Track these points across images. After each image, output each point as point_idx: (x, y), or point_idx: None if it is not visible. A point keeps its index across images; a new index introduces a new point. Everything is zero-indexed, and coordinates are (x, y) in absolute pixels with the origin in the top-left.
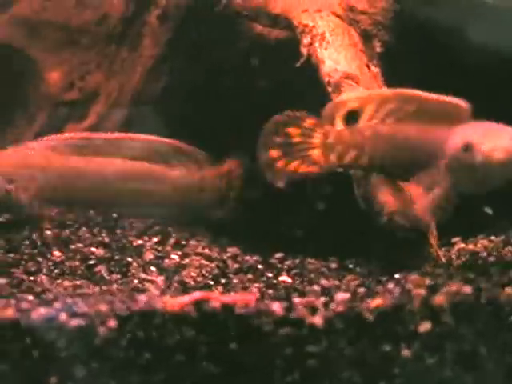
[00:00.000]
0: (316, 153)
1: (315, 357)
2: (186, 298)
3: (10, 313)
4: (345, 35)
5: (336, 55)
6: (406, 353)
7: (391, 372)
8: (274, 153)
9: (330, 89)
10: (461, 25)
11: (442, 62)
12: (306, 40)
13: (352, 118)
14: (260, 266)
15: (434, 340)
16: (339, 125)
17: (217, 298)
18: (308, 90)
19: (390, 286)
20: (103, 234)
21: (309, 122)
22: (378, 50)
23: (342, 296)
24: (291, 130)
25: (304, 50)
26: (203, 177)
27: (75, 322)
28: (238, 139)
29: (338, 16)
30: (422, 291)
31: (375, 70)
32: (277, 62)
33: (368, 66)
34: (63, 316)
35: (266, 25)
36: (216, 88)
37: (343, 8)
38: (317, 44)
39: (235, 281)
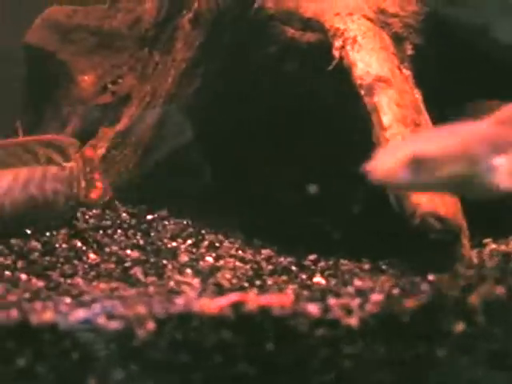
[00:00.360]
0: None
1: (351, 358)
2: (223, 300)
3: (48, 316)
4: (376, 38)
5: (368, 58)
6: (439, 353)
7: (425, 373)
8: None
9: (362, 92)
10: (491, 25)
11: (473, 63)
12: (337, 43)
13: None
14: (294, 268)
15: (467, 340)
16: None
17: (253, 300)
18: (339, 93)
19: (424, 287)
20: (137, 237)
21: None
22: (409, 52)
23: (376, 297)
24: None
25: (336, 53)
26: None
27: (113, 325)
28: (270, 143)
29: (370, 19)
30: (455, 292)
31: (407, 72)
32: (309, 65)
33: (399, 69)
34: (101, 318)
35: (298, 28)
36: (248, 91)
37: (374, 11)
38: (348, 47)
39: (270, 282)
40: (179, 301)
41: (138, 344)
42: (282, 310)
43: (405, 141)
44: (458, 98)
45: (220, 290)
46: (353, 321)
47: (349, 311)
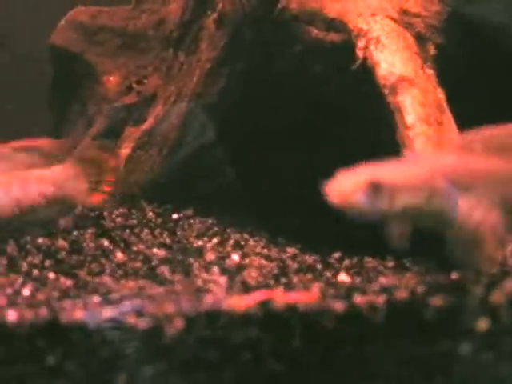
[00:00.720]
0: None
1: (376, 355)
2: (250, 298)
3: (78, 314)
4: (399, 38)
5: (391, 58)
6: (464, 351)
7: (450, 370)
8: None
9: (385, 91)
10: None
11: (495, 62)
12: (361, 43)
13: None
14: (319, 266)
15: (492, 338)
16: None
17: (280, 298)
18: (363, 93)
19: (447, 284)
20: (164, 236)
21: None
22: (432, 52)
23: (401, 294)
24: None
25: (359, 54)
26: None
27: (142, 323)
28: (294, 142)
29: (393, 19)
30: (479, 289)
31: (430, 72)
32: (333, 65)
33: (423, 69)
34: (130, 317)
35: (322, 29)
36: (272, 91)
37: (397, 11)
38: (372, 47)
39: (295, 280)
40: (207, 299)
41: (166, 342)
42: (308, 307)
43: (366, 166)
44: (482, 97)
45: (246, 288)
46: (378, 318)
47: (374, 308)
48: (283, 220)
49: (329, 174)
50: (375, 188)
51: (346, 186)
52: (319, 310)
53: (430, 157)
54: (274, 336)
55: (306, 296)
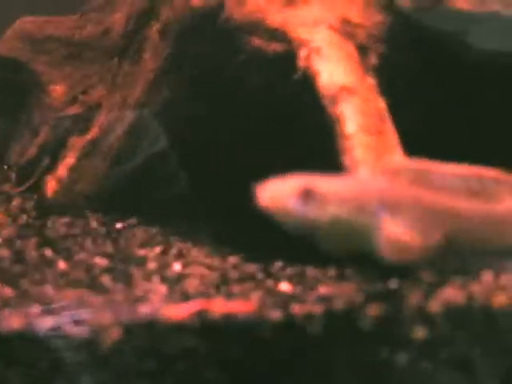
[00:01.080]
0: None
1: (314, 364)
2: (187, 307)
3: (17, 323)
4: (341, 48)
5: (332, 68)
6: (401, 359)
7: (387, 379)
8: None
9: (326, 101)
10: (465, 31)
11: (446, 70)
12: (302, 53)
13: None
14: (260, 275)
15: (428, 346)
16: None
17: (217, 307)
18: (305, 103)
19: (387, 293)
20: (107, 245)
21: None
22: (374, 62)
23: (339, 303)
24: None
25: (301, 64)
26: None
27: (79, 331)
28: (240, 152)
29: (334, 29)
30: (417, 298)
31: (371, 81)
32: (274, 75)
33: (364, 78)
34: (68, 326)
35: (264, 39)
36: (216, 101)
37: (339, 22)
38: (314, 57)
39: (236, 290)
40: (144, 308)
41: (104, 351)
42: (246, 317)
43: (298, 175)
44: (430, 105)
45: (186, 298)
46: (315, 327)
47: (312, 318)
48: (229, 229)
49: None
50: (307, 195)
51: (278, 192)
52: (256, 319)
53: (366, 175)
54: (210, 345)
55: (243, 305)
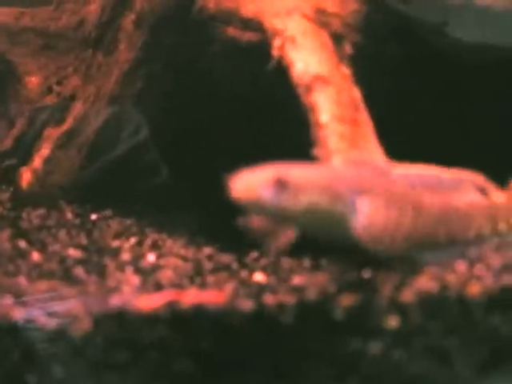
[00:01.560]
0: None
1: (286, 354)
2: (158, 298)
3: None
4: (315, 37)
5: (306, 57)
6: (374, 349)
7: (360, 368)
8: None
9: (301, 90)
10: (448, 23)
11: (426, 62)
12: (276, 43)
13: None
14: (235, 265)
15: (401, 336)
16: None
17: (188, 297)
18: (279, 92)
19: (361, 283)
20: (81, 236)
21: None
22: (349, 51)
23: (312, 294)
24: None
25: (275, 53)
26: None
27: (52, 323)
28: (217, 142)
29: (309, 18)
30: (390, 288)
31: (346, 71)
32: (249, 64)
33: (339, 68)
34: (40, 317)
35: (239, 28)
36: (190, 91)
37: (314, 11)
38: (288, 46)
39: (210, 280)
40: (116, 299)
41: (75, 342)
42: (217, 307)
43: (272, 164)
44: (407, 95)
45: (159, 288)
46: (287, 318)
47: (284, 308)
48: (206, 219)
49: None
50: (281, 184)
51: (250, 183)
52: (228, 310)
53: (337, 164)
54: (181, 336)
55: (215, 296)
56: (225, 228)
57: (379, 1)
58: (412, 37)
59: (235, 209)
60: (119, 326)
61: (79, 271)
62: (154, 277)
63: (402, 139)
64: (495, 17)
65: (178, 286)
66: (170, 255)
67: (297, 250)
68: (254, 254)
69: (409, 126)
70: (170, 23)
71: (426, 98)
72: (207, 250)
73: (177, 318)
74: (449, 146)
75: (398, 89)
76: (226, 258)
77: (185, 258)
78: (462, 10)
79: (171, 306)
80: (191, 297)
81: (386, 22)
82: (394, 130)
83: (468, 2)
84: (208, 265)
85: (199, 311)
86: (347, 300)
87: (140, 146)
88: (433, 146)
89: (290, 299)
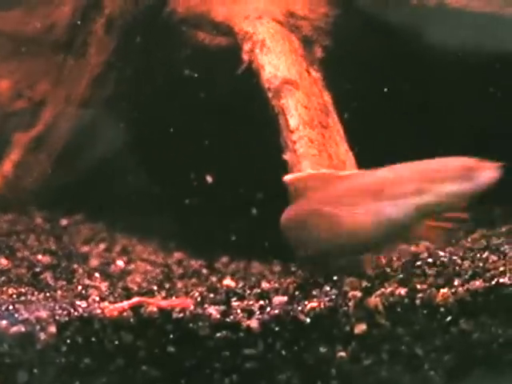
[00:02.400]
0: None
1: (252, 359)
2: (124, 304)
3: None
4: (285, 41)
5: (276, 61)
6: (341, 354)
7: (328, 373)
8: None
9: (270, 94)
10: (424, 27)
11: (385, 64)
12: (246, 46)
13: None
14: (204, 271)
15: (369, 341)
16: None
17: (154, 303)
18: (249, 96)
19: (327, 288)
20: (50, 242)
21: None
22: (319, 55)
23: (279, 299)
24: None
25: (245, 57)
26: None
27: (17, 329)
28: (187, 147)
29: (279, 22)
30: (358, 293)
31: (316, 75)
32: (219, 68)
33: (308, 71)
34: (5, 322)
35: (209, 32)
36: (164, 95)
37: (284, 14)
38: (257, 50)
39: (179, 286)
40: (82, 305)
41: (40, 347)
42: (183, 313)
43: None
44: (376, 97)
45: (128, 294)
46: (253, 323)
47: (250, 313)
48: (174, 225)
49: (220, 178)
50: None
51: None
52: (194, 315)
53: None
54: (146, 341)
55: (182, 301)
56: (197, 233)
57: (352, 4)
58: (386, 40)
59: (211, 214)
60: (84, 332)
61: (47, 277)
62: (123, 282)
63: (374, 142)
64: (470, 18)
65: (146, 292)
66: (140, 260)
67: (268, 254)
68: (224, 259)
69: (381, 128)
70: (140, 27)
71: (397, 101)
72: (177, 255)
73: (143, 324)
74: (419, 147)
75: (368, 92)
76: (196, 264)
77: (154, 264)
78: (436, 12)
79: (137, 312)
80: (158, 302)
81: (358, 26)
82: (366, 132)
83: (443, 3)
84: (177, 270)
85: (165, 317)
86: (315, 305)
87: (113, 152)
88: (403, 147)
89: (256, 304)
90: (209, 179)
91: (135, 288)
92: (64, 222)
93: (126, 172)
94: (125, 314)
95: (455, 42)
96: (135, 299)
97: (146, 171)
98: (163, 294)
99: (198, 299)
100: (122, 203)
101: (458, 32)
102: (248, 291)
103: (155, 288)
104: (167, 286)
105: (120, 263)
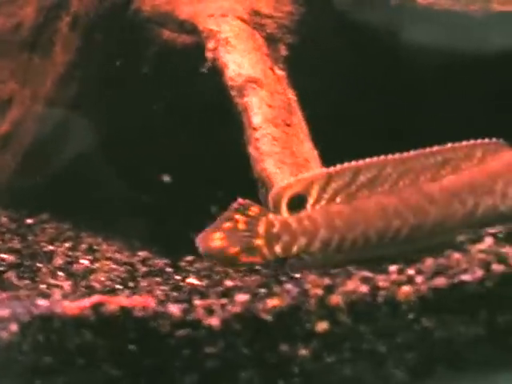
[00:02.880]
0: (260, 243)
1: (213, 358)
2: (85, 302)
3: None
4: (249, 39)
5: (240, 59)
6: (303, 352)
7: (290, 371)
8: (217, 235)
9: (233, 92)
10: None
11: (354, 62)
12: (210, 45)
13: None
14: (169, 269)
15: (331, 339)
16: (284, 213)
17: (115, 301)
18: (213, 94)
19: (290, 286)
20: (15, 241)
21: (253, 210)
22: (284, 53)
23: (241, 297)
24: (238, 217)
25: (209, 55)
26: None
27: None
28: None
29: (243, 20)
30: (320, 291)
31: (280, 73)
32: (184, 67)
33: (272, 70)
34: None
35: (174, 30)
36: (129, 94)
37: (248, 12)
38: (221, 48)
39: (143, 284)
40: (43, 303)
41: (1, 346)
42: (144, 312)
43: None
44: (346, 96)
45: (91, 292)
46: (214, 321)
47: (211, 311)
48: (139, 224)
49: (182, 176)
50: None
51: None
52: (156, 313)
53: None
54: (108, 340)
55: (144, 300)
56: (162, 232)
57: (323, 3)
58: (353, 37)
59: (176, 213)
60: (46, 331)
61: (11, 276)
62: (86, 281)
63: (339, 141)
64: (438, 16)
65: (110, 290)
66: (104, 259)
67: None
68: (189, 258)
69: (347, 127)
70: (105, 26)
71: (365, 99)
72: (142, 254)
73: (104, 322)
74: (388, 146)
75: (335, 90)
76: (160, 262)
77: (118, 262)
78: (404, 10)
79: (99, 311)
80: (120, 301)
81: (326, 25)
82: (332, 131)
83: (411, 1)
84: (142, 269)
85: (127, 315)
86: (276, 303)
87: (80, 150)
88: (369, 145)
89: (218, 303)
90: (168, 178)
91: (98, 286)
92: (29, 221)
93: (92, 171)
94: (86, 312)
95: (424, 40)
96: (96, 297)
97: (112, 170)
98: (126, 292)
99: (161, 298)
100: (87, 202)
101: (426, 30)
102: (211, 289)
103: (118, 287)
104: (131, 284)
105: (84, 262)
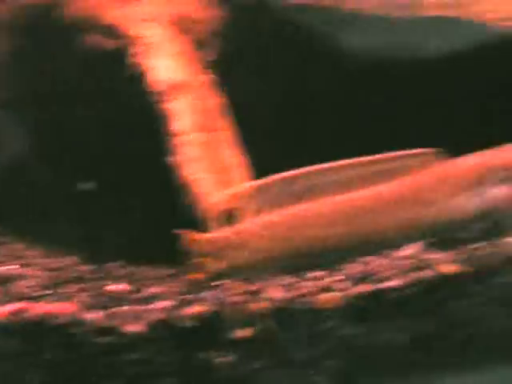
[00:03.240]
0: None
1: (135, 364)
2: (6, 308)
3: None
4: (175, 44)
5: (165, 64)
6: (225, 359)
7: (211, 378)
8: None
9: (158, 98)
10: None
11: (282, 65)
12: (135, 50)
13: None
14: (94, 275)
15: (252, 346)
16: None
17: (37, 308)
18: (138, 100)
19: (212, 292)
20: None
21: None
22: (210, 57)
23: (163, 303)
24: None
25: (134, 60)
26: None
27: None
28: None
29: (170, 25)
30: (242, 298)
31: (206, 77)
32: (110, 72)
33: (198, 74)
34: None
35: (100, 35)
36: (52, 103)
37: (176, 17)
38: (146, 53)
39: (65, 290)
40: None
41: None
42: (64, 318)
43: None
44: (274, 98)
45: (10, 299)
46: (136, 327)
47: (135, 317)
48: (71, 229)
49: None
50: None
51: None
52: (75, 320)
53: None
54: (27, 347)
55: (64, 306)
56: (89, 238)
57: (263, 9)
58: (292, 42)
59: (103, 219)
60: None
61: None
62: (7, 287)
63: (270, 145)
64: (380, 22)
65: (34, 297)
66: (30, 265)
67: (164, 258)
68: (116, 264)
69: (281, 131)
70: (29, 30)
71: (292, 100)
72: (69, 260)
73: (23, 329)
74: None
75: (263, 92)
76: (86, 268)
77: (44, 268)
78: (348, 16)
79: (18, 317)
80: (40, 307)
81: (234, 28)
82: (263, 136)
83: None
84: (66, 275)
85: (46, 322)
86: (197, 309)
87: (12, 154)
88: (300, 150)
89: (139, 309)
90: (95, 184)
91: (19, 293)
92: None
93: (23, 175)
94: (7, 318)
95: (366, 45)
96: (18, 304)
97: (43, 174)
98: (50, 299)
99: (84, 304)
100: (15, 207)
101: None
102: (134, 295)
103: (43, 293)
104: (55, 290)
105: (9, 268)
